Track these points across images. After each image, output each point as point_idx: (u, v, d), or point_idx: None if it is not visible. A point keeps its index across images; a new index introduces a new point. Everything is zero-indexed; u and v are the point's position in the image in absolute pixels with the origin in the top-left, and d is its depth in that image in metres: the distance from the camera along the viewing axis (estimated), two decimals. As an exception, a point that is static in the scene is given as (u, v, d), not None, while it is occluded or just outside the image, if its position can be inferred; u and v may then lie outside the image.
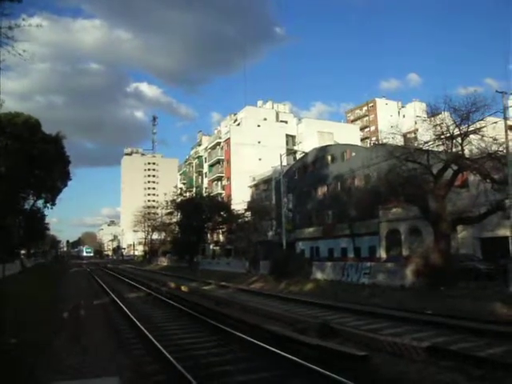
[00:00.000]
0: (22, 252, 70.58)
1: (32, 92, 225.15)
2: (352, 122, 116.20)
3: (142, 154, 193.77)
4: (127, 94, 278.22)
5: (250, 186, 70.87)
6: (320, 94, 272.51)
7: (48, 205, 55.14)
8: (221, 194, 76.27)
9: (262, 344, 9.92)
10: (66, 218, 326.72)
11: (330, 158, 54.50)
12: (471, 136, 22.67)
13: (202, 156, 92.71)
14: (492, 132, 22.74)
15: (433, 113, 24.56)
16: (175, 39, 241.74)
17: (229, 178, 76.72)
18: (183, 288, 26.73)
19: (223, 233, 66.27)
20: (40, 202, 55.07)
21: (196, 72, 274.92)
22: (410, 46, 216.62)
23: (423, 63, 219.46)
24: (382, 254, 41.20)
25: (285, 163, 51.47)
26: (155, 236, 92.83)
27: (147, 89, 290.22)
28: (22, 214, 52.19)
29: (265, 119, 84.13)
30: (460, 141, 22.67)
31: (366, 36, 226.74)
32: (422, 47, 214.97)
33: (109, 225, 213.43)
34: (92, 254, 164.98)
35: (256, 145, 75.90)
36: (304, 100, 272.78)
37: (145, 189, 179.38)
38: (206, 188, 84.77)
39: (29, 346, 10.32)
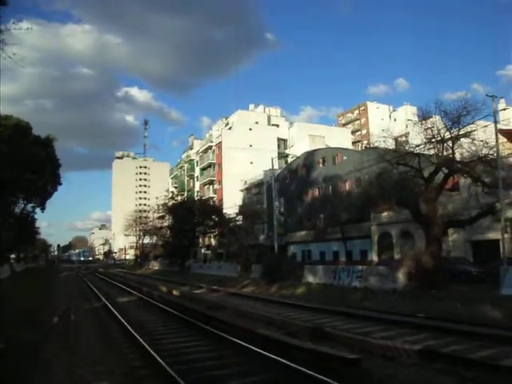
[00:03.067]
0: (12, 256, 70.02)
1: (22, 96, 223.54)
2: (343, 125, 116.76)
3: (134, 158, 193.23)
4: (118, 98, 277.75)
5: (242, 190, 70.87)
6: (309, 98, 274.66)
7: (38, 209, 54.79)
8: (212, 197, 76.14)
9: (254, 348, 9.86)
10: (57, 222, 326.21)
11: (321, 161, 54.65)
12: (462, 139, 22.78)
13: (193, 160, 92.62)
14: (483, 135, 22.88)
15: (424, 116, 24.67)
16: (165, 44, 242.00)
17: (220, 182, 76.70)
18: (175, 292, 26.59)
19: (215, 237, 66.21)
20: (30, 206, 54.69)
21: (186, 77, 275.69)
22: (397, 52, 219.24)
23: (410, 69, 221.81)
24: (374, 257, 41.32)
25: (276, 167, 51.59)
26: (147, 240, 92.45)
27: (138, 93, 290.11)
28: (11, 217, 51.74)
29: (256, 123, 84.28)
30: (451, 144, 22.78)
31: (354, 42, 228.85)
32: (409, 53, 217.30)
33: (100, 229, 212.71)
34: (91, 258, 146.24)
35: (247, 148, 75.94)
36: (293, 104, 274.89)
37: (136, 192, 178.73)
38: (197, 192, 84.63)
39: (18, 351, 10.20)
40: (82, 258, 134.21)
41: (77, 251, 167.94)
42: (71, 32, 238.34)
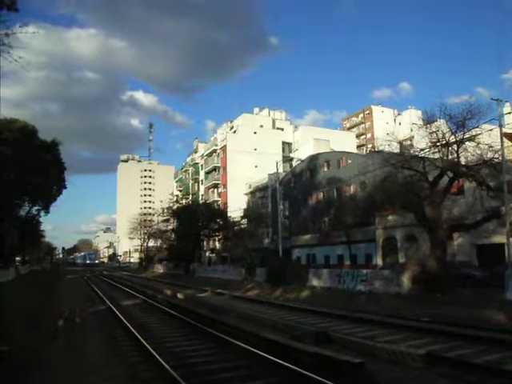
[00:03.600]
0: (17, 259, 70.23)
1: (27, 99, 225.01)
2: (348, 129, 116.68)
3: (139, 161, 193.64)
4: (123, 102, 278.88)
5: (246, 194, 70.87)
6: (313, 102, 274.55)
7: (43, 212, 55.06)
8: (217, 201, 76.23)
9: (258, 351, 9.86)
10: (62, 225, 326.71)
11: (325, 165, 54.63)
12: (467, 143, 22.76)
13: (198, 163, 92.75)
14: (487, 139, 22.83)
15: (428, 120, 24.67)
16: (170, 48, 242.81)
17: (225, 186, 76.73)
18: (179, 295, 26.62)
19: (219, 240, 66.11)
20: (35, 209, 54.93)
21: (190, 80, 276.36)
22: (401, 55, 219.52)
23: (414, 73, 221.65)
24: (379, 261, 41.19)
25: (281, 170, 51.56)
26: (151, 243, 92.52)
27: (143, 97, 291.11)
28: (17, 220, 51.98)
29: (261, 126, 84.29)
30: (456, 148, 22.77)
31: (358, 45, 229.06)
32: (412, 57, 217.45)
33: (105, 232, 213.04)
34: (97, 261, 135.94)
35: (252, 152, 75.96)
36: (297, 108, 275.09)
37: (141, 196, 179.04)
38: (202, 195, 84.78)
39: (23, 353, 10.24)
40: (88, 261, 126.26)
41: (82, 254, 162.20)
42: (76, 36, 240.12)
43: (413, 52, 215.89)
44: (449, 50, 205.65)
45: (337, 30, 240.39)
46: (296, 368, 8.35)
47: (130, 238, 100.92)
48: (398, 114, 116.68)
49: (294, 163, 69.15)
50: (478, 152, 22.47)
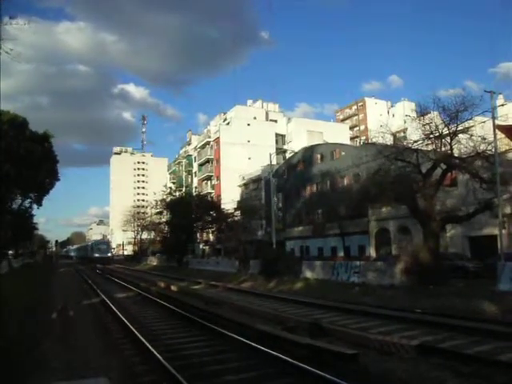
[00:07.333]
0: (10, 252, 69.85)
1: (17, 92, 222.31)
2: (341, 121, 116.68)
3: (132, 153, 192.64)
4: (114, 95, 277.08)
5: (240, 186, 70.88)
6: (304, 95, 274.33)
7: (35, 204, 54.70)
8: (210, 193, 76.15)
9: (251, 343, 9.88)
10: (54, 218, 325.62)
11: (319, 157, 54.68)
12: (460, 135, 22.81)
13: (191, 155, 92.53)
14: (480, 131, 22.93)
15: (422, 112, 24.69)
16: (160, 41, 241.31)
17: (218, 178, 76.65)
18: (173, 288, 26.60)
19: (213, 232, 66.15)
20: (27, 202, 54.56)
21: (182, 74, 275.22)
22: (390, 50, 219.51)
23: (403, 66, 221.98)
24: (372, 252, 41.42)
25: (274, 162, 51.50)
26: (145, 235, 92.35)
27: (134, 90, 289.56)
28: (9, 213, 51.61)
29: (254, 118, 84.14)
30: (449, 140, 22.81)
31: (347, 39, 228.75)
32: (402, 50, 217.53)
33: (98, 224, 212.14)
34: (110, 254, 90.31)
35: (246, 144, 75.89)
36: (288, 101, 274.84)
37: (134, 188, 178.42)
38: (195, 187, 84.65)
39: (16, 348, 10.20)
40: (97, 255, 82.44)
41: (89, 243, 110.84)
42: (66, 29, 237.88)
43: (402, 45, 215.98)
44: (438, 44, 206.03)
45: (325, 23, 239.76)
46: (290, 359, 8.37)
47: (123, 231, 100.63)
48: (392, 106, 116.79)
49: (288, 155, 69.12)
50: (471, 144, 22.52)
